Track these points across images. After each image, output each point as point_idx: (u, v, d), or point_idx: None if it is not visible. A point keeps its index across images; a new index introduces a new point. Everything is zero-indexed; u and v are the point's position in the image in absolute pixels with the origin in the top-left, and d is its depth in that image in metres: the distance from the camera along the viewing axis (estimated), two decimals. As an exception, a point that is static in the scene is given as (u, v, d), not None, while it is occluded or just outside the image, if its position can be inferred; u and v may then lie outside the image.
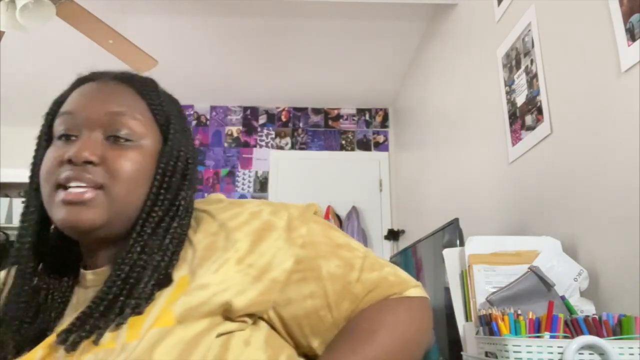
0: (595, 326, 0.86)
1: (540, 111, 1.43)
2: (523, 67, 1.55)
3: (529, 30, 1.51)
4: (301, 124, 3.79)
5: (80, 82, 0.68)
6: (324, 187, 3.60)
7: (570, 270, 1.10)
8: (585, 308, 1.05)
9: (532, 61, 1.49)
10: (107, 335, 0.53)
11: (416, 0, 2.34)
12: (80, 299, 0.63)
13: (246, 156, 3.72)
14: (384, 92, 3.56)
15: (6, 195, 3.93)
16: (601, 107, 1.16)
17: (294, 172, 3.68)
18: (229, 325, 0.57)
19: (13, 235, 3.82)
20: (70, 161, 0.59)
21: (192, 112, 3.76)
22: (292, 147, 3.74)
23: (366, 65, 3.16)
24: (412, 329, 0.65)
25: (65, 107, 0.65)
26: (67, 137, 0.63)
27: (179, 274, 0.59)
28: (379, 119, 3.81)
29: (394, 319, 0.64)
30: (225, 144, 3.73)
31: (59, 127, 0.64)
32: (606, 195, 1.12)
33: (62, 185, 0.59)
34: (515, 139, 1.59)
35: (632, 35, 1.04)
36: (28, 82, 3.25)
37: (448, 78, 2.39)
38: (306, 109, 3.82)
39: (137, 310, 0.55)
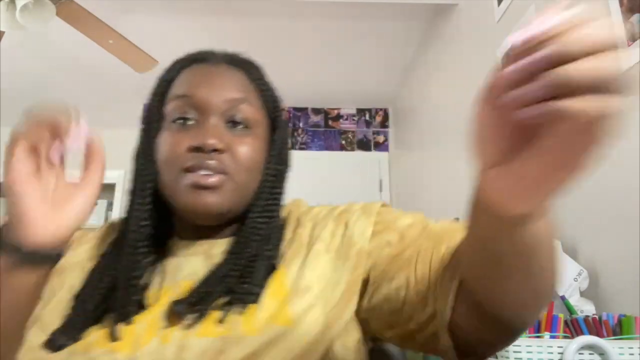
0: (595, 326, 0.86)
1: (540, 111, 1.43)
2: (523, 67, 1.55)
3: (529, 30, 1.51)
4: (301, 124, 3.78)
5: (189, 61, 0.67)
6: (324, 187, 3.59)
7: (570, 270, 1.10)
8: (585, 308, 1.05)
9: (532, 61, 1.49)
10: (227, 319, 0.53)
11: (416, 0, 2.35)
12: (171, 266, 0.62)
13: (246, 156, 3.72)
14: (384, 92, 3.55)
15: (6, 195, 3.93)
16: (601, 107, 1.16)
17: (294, 172, 3.61)
18: (335, 330, 0.55)
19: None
20: (198, 148, 0.59)
21: (192, 112, 3.77)
22: (292, 147, 3.72)
23: (366, 65, 3.16)
24: None
25: (179, 90, 0.64)
26: (183, 121, 0.62)
27: (277, 264, 0.60)
28: (379, 119, 3.81)
29: None
30: (225, 144, 3.73)
31: (174, 111, 0.63)
32: (606, 195, 1.12)
33: (189, 170, 0.59)
34: (515, 139, 1.59)
35: (632, 35, 1.04)
36: (28, 82, 3.24)
37: (448, 78, 2.39)
38: (306, 109, 3.82)
39: (254, 297, 0.55)
